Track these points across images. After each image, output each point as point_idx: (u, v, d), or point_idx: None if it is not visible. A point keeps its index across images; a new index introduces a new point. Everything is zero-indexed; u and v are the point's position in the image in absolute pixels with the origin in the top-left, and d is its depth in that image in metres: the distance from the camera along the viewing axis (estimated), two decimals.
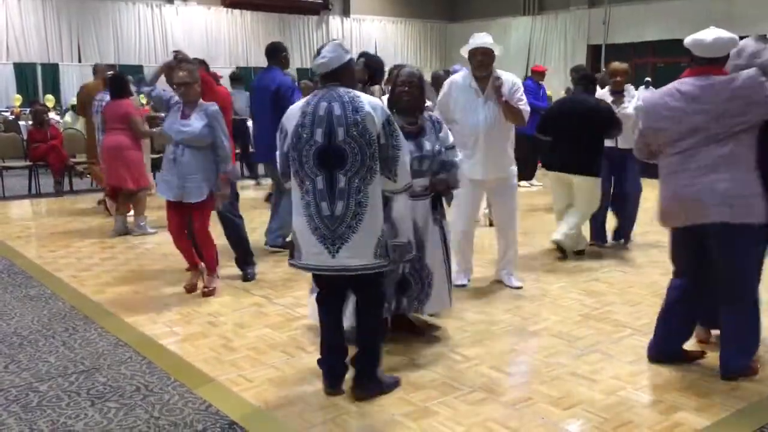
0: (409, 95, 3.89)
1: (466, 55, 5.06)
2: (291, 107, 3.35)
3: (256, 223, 7.61)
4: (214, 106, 4.95)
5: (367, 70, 6.34)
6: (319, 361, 3.52)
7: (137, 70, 16.05)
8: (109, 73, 8.32)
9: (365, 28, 20.35)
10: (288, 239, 6.45)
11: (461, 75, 5.16)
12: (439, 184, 4.01)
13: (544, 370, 3.78)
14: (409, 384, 3.56)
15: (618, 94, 6.36)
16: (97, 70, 9.16)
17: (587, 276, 5.63)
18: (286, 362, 3.90)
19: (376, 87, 6.09)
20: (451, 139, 4.11)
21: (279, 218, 6.43)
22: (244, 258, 5.66)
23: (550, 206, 8.64)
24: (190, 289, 5.21)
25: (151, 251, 6.56)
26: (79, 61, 16.26)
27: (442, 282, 4.11)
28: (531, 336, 4.32)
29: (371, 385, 3.41)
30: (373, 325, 3.44)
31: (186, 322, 4.58)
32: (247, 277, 5.57)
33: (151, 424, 3.20)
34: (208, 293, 5.13)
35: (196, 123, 4.86)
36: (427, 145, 3.91)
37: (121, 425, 3.18)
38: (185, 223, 5.12)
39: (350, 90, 3.23)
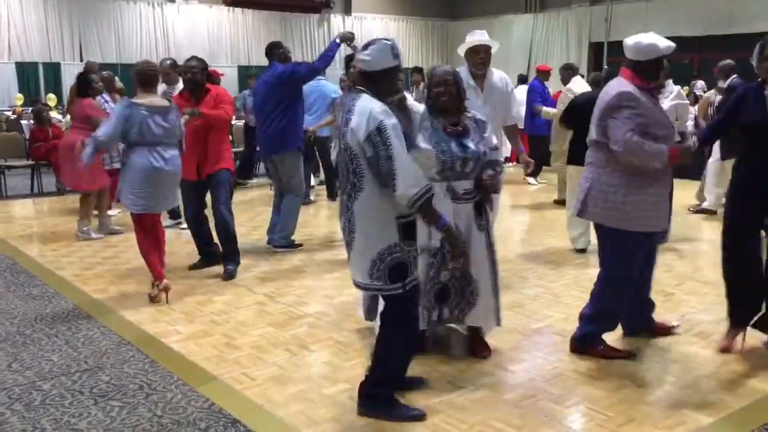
0: (447, 94, 3.69)
1: (463, 53, 5.02)
2: None
3: (258, 222, 7.62)
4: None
5: None
6: None
7: None
8: (106, 72, 8.28)
9: (366, 26, 20.32)
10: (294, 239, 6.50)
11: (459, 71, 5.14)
12: (488, 184, 3.74)
13: (547, 367, 3.78)
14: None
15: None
16: (87, 68, 9.14)
17: (590, 273, 5.61)
18: (289, 360, 3.91)
19: None
20: (495, 140, 3.89)
21: (282, 219, 6.44)
22: (231, 256, 5.65)
23: (552, 204, 8.64)
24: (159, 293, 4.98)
25: None
26: (81, 60, 16.23)
27: (488, 293, 3.81)
28: (534, 333, 4.32)
29: (370, 403, 3.22)
30: (387, 342, 3.17)
31: (189, 321, 4.59)
32: (228, 275, 5.53)
33: (155, 422, 3.20)
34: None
35: None
36: (471, 146, 3.68)
37: (125, 423, 3.19)
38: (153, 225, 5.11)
39: (358, 97, 2.97)
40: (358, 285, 3.16)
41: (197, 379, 3.66)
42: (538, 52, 19.28)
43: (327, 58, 6.17)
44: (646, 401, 3.37)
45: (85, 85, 7.21)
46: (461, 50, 5.04)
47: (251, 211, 8.45)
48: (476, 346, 3.97)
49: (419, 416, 3.20)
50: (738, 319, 3.97)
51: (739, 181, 3.86)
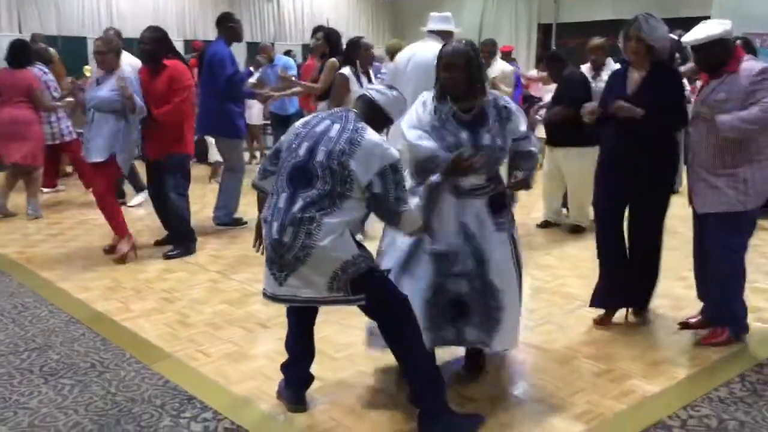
0: (451, 80, 3.14)
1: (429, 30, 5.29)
2: (311, 115, 3.07)
3: (209, 200, 7.52)
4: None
5: (328, 44, 6.36)
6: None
7: (80, 42, 15.57)
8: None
9: (317, 3, 20.07)
10: (236, 216, 6.43)
11: None
12: (518, 185, 3.26)
13: None
14: (366, 358, 3.59)
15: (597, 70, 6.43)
16: (33, 39, 8.86)
17: (540, 251, 5.74)
18: (244, 337, 3.89)
19: (333, 60, 6.09)
20: (523, 127, 3.25)
21: (225, 195, 6.37)
22: (179, 237, 5.57)
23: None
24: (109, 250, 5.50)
25: (100, 227, 6.36)
26: (20, 31, 15.59)
27: (514, 309, 3.26)
28: None
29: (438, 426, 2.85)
30: (400, 340, 2.88)
31: (140, 299, 4.52)
32: (167, 254, 5.42)
33: (108, 400, 3.16)
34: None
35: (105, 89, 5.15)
36: (486, 139, 3.12)
37: (77, 401, 3.14)
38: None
39: (365, 125, 2.85)
40: (312, 302, 2.87)
41: (151, 357, 3.62)
42: (487, 33, 19.34)
43: (242, 96, 6.31)
44: (595, 372, 3.48)
45: (24, 55, 6.83)
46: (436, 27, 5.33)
47: (201, 189, 8.33)
48: (472, 365, 3.48)
49: (479, 421, 2.98)
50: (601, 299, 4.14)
51: (600, 159, 4.09)
